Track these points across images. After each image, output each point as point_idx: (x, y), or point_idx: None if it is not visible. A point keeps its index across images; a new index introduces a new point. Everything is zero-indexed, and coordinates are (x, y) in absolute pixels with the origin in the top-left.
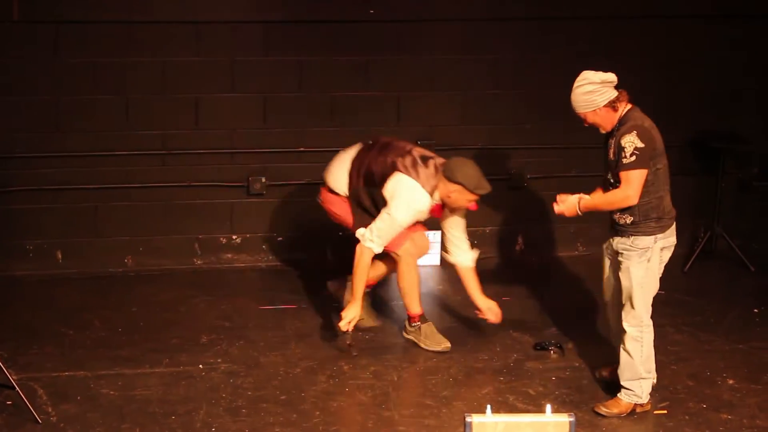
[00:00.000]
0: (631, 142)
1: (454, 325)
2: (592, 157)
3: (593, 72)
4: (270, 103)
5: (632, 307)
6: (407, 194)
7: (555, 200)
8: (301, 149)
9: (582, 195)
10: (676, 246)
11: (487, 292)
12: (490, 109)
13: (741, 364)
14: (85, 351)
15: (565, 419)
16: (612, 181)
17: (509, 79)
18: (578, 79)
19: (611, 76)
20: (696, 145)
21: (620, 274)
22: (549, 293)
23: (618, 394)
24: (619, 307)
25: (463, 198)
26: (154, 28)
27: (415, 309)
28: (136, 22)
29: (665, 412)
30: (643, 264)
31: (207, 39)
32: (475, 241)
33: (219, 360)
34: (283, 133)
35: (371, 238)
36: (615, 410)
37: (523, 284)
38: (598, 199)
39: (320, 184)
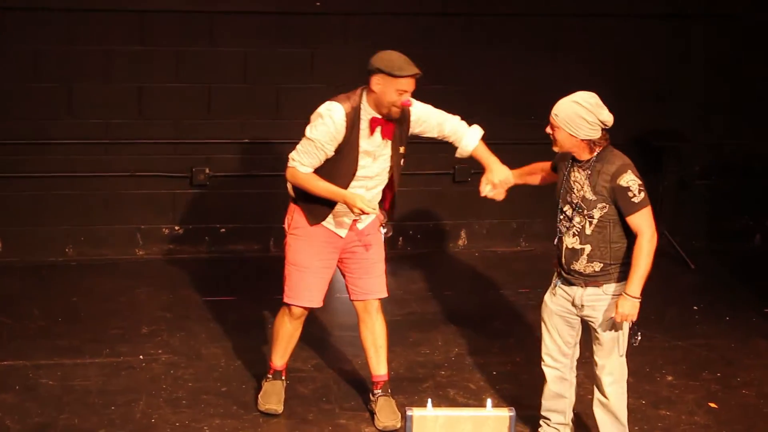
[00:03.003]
0: (633, 180)
1: (397, 319)
2: (538, 153)
3: (601, 104)
4: (215, 93)
5: (618, 357)
6: (319, 110)
7: (616, 310)
8: (246, 140)
9: (624, 292)
10: None
11: (429, 286)
12: (436, 104)
13: (680, 360)
14: (24, 340)
15: (505, 414)
16: (576, 217)
17: (455, 75)
18: (584, 96)
19: (610, 120)
20: (637, 143)
21: (600, 331)
22: (491, 288)
23: None
24: (591, 366)
25: (390, 89)
26: (98, 16)
27: (275, 361)
28: (78, 10)
29: None
30: None
31: (152, 28)
32: (418, 235)
33: (160, 351)
34: (227, 124)
35: (293, 157)
36: None
37: (466, 279)
38: (640, 270)
39: (264, 176)
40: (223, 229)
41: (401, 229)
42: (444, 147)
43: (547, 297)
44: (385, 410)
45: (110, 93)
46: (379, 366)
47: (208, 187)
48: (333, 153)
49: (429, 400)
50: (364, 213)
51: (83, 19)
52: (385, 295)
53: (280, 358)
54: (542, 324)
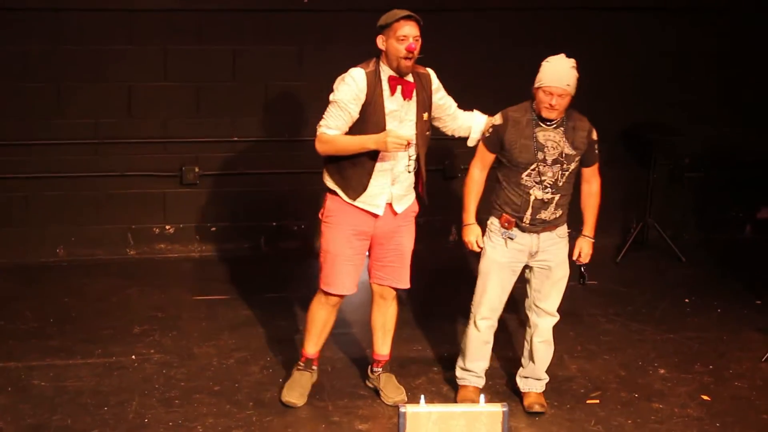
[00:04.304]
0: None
1: None
2: None
3: None
4: (203, 92)
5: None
6: (340, 77)
7: (578, 259)
8: (235, 139)
9: (583, 235)
10: (609, 237)
11: (421, 283)
12: None
13: (672, 353)
14: (16, 342)
15: (498, 409)
16: (548, 172)
17: (448, 70)
18: (566, 59)
19: None
20: (628, 136)
21: (555, 269)
22: None
23: (539, 389)
24: (541, 307)
25: (392, 39)
26: (87, 15)
27: (307, 348)
28: (67, 10)
29: (597, 401)
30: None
31: (140, 27)
32: None
33: (152, 351)
34: (216, 122)
35: (320, 124)
36: (545, 402)
37: (457, 275)
38: (593, 216)
39: (254, 174)
40: (214, 228)
41: None
42: (431, 143)
43: (495, 253)
44: (389, 386)
45: (99, 93)
46: (383, 346)
47: (198, 186)
48: (357, 114)
49: (422, 396)
50: (398, 148)
51: (71, 19)
52: (407, 286)
53: (313, 345)
54: (485, 280)
